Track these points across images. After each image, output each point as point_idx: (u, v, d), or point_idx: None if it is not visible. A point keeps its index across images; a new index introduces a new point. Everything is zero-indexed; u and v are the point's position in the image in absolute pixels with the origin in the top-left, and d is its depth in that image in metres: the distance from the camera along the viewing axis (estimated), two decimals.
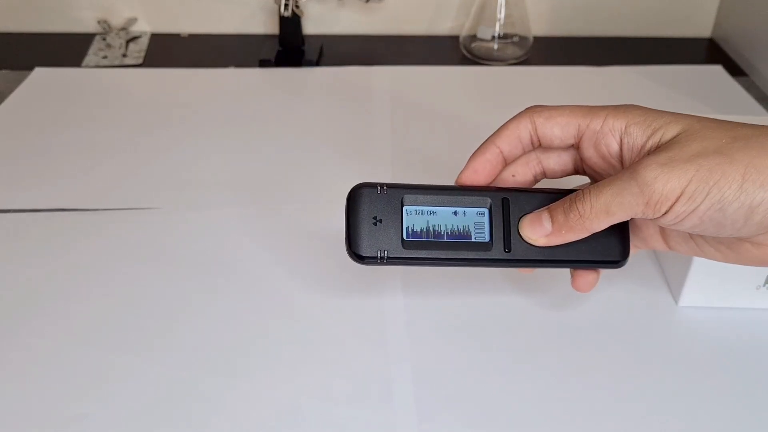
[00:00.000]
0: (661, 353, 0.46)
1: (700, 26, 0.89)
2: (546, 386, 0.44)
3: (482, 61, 0.82)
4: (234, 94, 0.75)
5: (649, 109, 0.36)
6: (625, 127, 0.35)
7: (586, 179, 0.41)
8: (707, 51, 0.87)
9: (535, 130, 0.38)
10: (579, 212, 0.34)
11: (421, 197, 0.37)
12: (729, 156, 0.32)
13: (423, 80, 0.78)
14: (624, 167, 0.36)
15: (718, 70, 0.81)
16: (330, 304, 0.50)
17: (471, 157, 0.39)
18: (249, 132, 0.68)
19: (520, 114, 0.38)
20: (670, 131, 0.34)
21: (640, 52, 0.85)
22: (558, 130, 0.37)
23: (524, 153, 0.39)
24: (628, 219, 0.34)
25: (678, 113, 0.35)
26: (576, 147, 0.38)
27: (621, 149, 0.36)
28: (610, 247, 0.38)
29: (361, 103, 0.73)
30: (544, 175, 0.40)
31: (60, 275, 0.52)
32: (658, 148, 0.34)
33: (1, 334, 0.47)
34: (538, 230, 0.36)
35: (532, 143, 0.38)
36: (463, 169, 0.39)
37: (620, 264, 0.38)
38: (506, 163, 0.39)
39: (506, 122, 0.38)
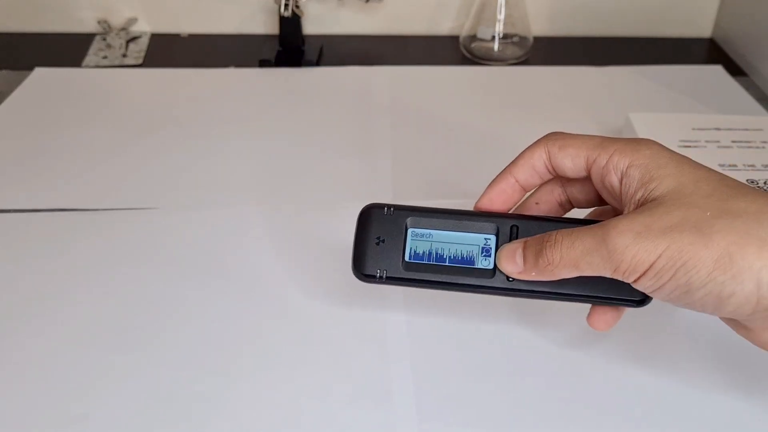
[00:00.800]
0: (661, 353, 0.46)
1: (700, 26, 0.89)
2: (545, 386, 0.44)
3: (482, 61, 0.82)
4: (234, 94, 0.75)
5: (661, 150, 0.34)
6: (627, 168, 0.34)
7: None
8: (707, 51, 0.87)
9: (549, 159, 0.37)
10: (548, 260, 0.34)
11: (426, 220, 0.37)
12: (706, 236, 0.30)
13: (423, 80, 0.78)
14: (623, 205, 0.35)
15: (718, 70, 0.81)
16: (330, 303, 0.50)
17: (488, 186, 0.39)
18: (249, 132, 0.68)
19: (536, 142, 0.38)
20: (662, 186, 0.32)
21: (640, 52, 0.85)
22: (569, 161, 0.36)
23: (543, 182, 0.39)
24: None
25: (685, 164, 0.33)
26: (588, 178, 0.37)
27: (620, 188, 0.35)
28: (628, 286, 0.34)
29: (361, 103, 0.73)
30: (571, 204, 0.40)
31: (60, 275, 0.52)
32: (640, 207, 0.33)
33: (1, 334, 0.47)
34: (511, 265, 0.35)
35: (549, 172, 0.38)
36: (479, 199, 0.39)
37: (643, 303, 0.35)
38: (525, 191, 0.39)
39: (523, 151, 0.38)
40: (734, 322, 0.34)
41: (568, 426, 0.42)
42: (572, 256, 0.33)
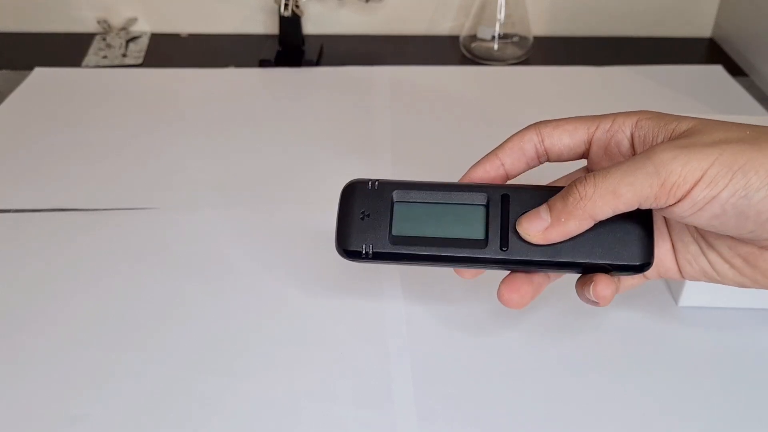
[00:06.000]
0: (661, 353, 0.46)
1: (700, 26, 0.89)
2: (545, 386, 0.44)
3: (482, 61, 0.82)
4: (234, 94, 0.75)
5: (660, 111, 0.34)
6: (636, 122, 0.33)
7: None
8: (707, 51, 0.87)
9: (542, 141, 0.35)
10: (579, 194, 0.31)
11: (412, 193, 0.35)
12: (756, 143, 0.29)
13: (423, 80, 0.78)
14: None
15: (718, 70, 0.81)
16: (330, 303, 0.50)
17: (471, 167, 0.37)
18: (249, 132, 0.68)
19: (525, 127, 0.36)
20: (684, 124, 0.32)
21: (640, 52, 0.85)
22: (567, 137, 0.35)
23: (528, 169, 0.37)
24: (637, 206, 0.30)
25: (690, 116, 0.33)
26: (586, 156, 0.36)
27: (632, 145, 0.34)
28: (629, 247, 0.33)
29: (361, 103, 0.73)
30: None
31: (60, 275, 0.52)
32: (674, 137, 0.31)
33: (1, 333, 0.47)
34: (535, 223, 0.32)
35: (538, 157, 0.36)
36: (461, 179, 0.37)
37: (642, 268, 0.33)
38: (508, 177, 0.37)
39: (511, 135, 0.36)
40: (762, 261, 0.32)
41: (568, 426, 0.42)
42: (610, 182, 0.30)
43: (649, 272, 0.35)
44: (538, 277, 0.36)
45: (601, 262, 0.33)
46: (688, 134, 0.31)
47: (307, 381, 0.44)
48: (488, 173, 0.36)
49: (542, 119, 0.36)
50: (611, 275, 0.34)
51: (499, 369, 0.45)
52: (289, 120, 0.71)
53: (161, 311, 0.49)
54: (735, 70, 0.81)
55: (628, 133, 0.34)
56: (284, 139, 0.68)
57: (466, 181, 0.37)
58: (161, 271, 0.52)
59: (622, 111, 0.35)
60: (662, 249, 0.36)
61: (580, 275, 0.35)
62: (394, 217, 0.35)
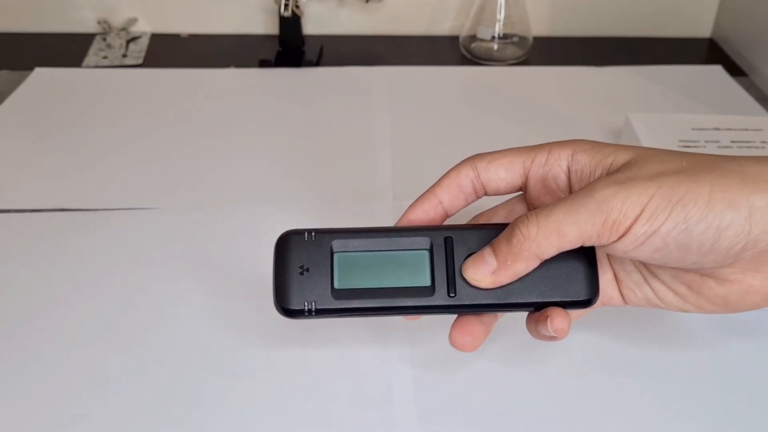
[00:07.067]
0: (661, 353, 0.46)
1: (700, 26, 0.89)
2: (545, 386, 0.44)
3: (482, 61, 0.82)
4: (234, 94, 0.75)
5: (596, 141, 0.34)
6: (572, 155, 0.33)
7: None
8: (707, 51, 0.87)
9: (478, 175, 0.35)
10: (523, 234, 0.31)
11: (352, 241, 0.34)
12: (693, 175, 0.29)
13: (423, 80, 0.78)
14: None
15: (718, 70, 0.81)
16: None
17: (409, 207, 0.36)
18: (249, 132, 0.69)
19: (460, 162, 0.36)
20: (621, 157, 0.32)
21: (640, 52, 0.85)
22: (503, 171, 0.35)
23: (468, 204, 0.36)
24: (580, 244, 0.31)
25: (629, 145, 0.33)
26: (524, 189, 0.36)
27: (569, 179, 0.33)
28: (575, 284, 0.33)
29: (361, 103, 0.73)
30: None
31: (60, 275, 0.52)
32: (612, 172, 0.31)
33: (1, 333, 0.47)
34: (482, 268, 0.32)
35: (476, 192, 0.36)
36: (399, 220, 0.36)
37: (590, 303, 0.34)
38: (447, 215, 0.36)
39: (447, 171, 0.36)
40: (705, 288, 0.32)
41: (568, 426, 0.42)
42: (553, 221, 0.30)
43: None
44: (487, 317, 0.36)
45: (549, 300, 0.33)
46: (625, 168, 0.31)
47: (307, 381, 0.44)
48: (427, 213, 0.36)
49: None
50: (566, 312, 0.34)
51: (499, 369, 0.45)
52: (289, 120, 0.71)
53: (161, 311, 0.49)
54: (735, 70, 0.81)
55: (565, 167, 0.34)
56: (284, 139, 0.68)
57: (405, 222, 0.36)
58: (161, 271, 0.52)
59: (557, 141, 0.34)
60: (604, 279, 0.36)
61: (528, 313, 0.35)
62: (335, 269, 0.34)
